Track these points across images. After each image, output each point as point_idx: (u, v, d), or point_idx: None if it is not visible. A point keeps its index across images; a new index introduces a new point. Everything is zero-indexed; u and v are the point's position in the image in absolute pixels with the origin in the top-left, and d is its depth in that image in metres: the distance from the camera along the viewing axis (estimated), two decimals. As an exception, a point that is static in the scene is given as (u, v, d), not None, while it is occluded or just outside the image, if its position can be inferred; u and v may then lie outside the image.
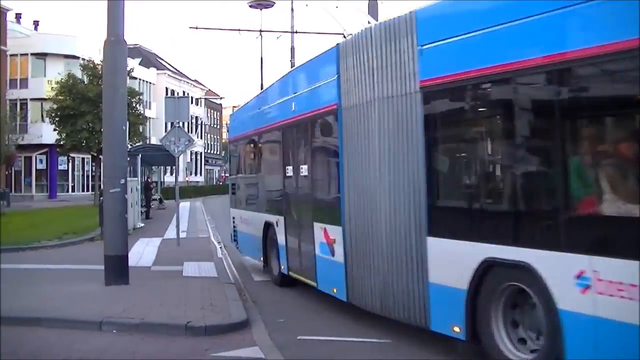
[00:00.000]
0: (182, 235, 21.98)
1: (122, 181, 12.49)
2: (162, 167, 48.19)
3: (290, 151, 12.41)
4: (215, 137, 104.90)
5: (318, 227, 10.77)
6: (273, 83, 13.94)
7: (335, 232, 10.06)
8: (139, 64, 66.09)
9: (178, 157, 20.80)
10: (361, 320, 9.84)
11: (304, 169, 11.49)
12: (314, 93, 11.01)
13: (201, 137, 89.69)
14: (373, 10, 19.77)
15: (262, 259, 14.27)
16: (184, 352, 8.34)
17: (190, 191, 62.20)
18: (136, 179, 28.29)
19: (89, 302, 10.75)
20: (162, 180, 51.69)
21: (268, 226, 13.60)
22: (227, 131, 16.88)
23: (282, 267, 12.74)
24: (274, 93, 13.57)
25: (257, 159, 15.20)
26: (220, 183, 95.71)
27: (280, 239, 12.74)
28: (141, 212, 29.69)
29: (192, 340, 8.83)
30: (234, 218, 17.15)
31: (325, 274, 10.74)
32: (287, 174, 12.33)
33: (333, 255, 10.19)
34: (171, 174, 56.19)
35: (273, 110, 13.40)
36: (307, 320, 10.36)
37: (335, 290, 10.27)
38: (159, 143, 23.98)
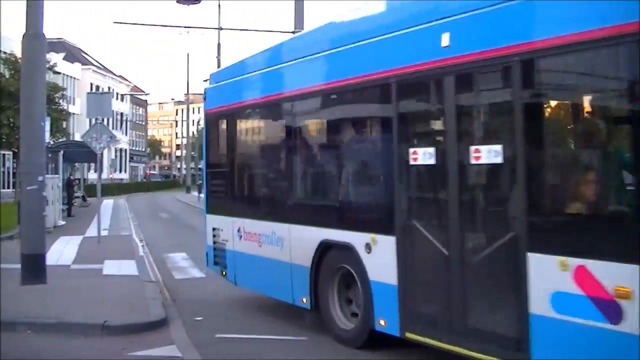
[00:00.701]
0: (104, 233, 21.71)
1: (40, 178, 12.23)
2: (85, 164, 47.46)
3: (417, 121, 7.83)
4: (140, 133, 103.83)
5: (550, 262, 5.74)
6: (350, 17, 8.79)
7: (633, 275, 5.14)
8: (63, 59, 64.87)
9: (101, 154, 20.56)
10: (279, 319, 9.97)
11: (488, 153, 6.50)
12: (528, 11, 6.10)
13: (126, 134, 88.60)
14: (299, 10, 19.95)
15: (307, 300, 9.13)
16: (100, 352, 8.28)
17: (114, 188, 61.64)
18: (58, 175, 27.86)
19: (3, 301, 10.50)
20: (85, 177, 50.87)
21: (328, 249, 8.72)
22: (204, 99, 12.25)
23: (382, 322, 7.78)
24: (364, 26, 8.27)
25: (297, 137, 9.70)
26: (145, 180, 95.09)
27: (380, 273, 7.77)
28: (62, 209, 29.15)
29: (108, 339, 8.76)
30: (215, 229, 11.62)
31: (572, 354, 5.68)
32: (410, 161, 7.34)
33: (617, 321, 5.27)
34: (95, 171, 55.30)
35: (362, 53, 8.14)
36: (225, 319, 10.35)
37: None
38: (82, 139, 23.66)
